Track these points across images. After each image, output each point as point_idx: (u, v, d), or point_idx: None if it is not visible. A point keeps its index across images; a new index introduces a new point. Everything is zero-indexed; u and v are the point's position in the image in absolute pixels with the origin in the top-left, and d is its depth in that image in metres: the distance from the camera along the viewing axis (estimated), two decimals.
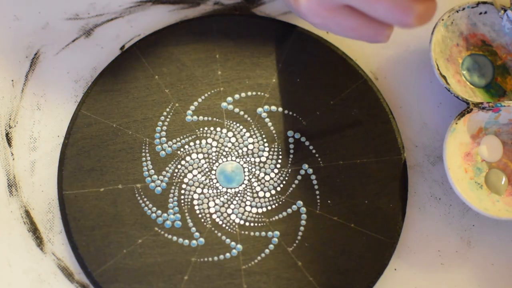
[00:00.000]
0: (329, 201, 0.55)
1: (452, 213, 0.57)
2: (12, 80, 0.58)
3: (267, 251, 0.54)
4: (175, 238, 0.54)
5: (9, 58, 0.59)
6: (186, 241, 0.54)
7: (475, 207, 0.54)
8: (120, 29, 0.60)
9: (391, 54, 0.60)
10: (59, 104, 0.58)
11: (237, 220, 0.55)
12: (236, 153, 0.56)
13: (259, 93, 0.57)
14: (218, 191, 0.56)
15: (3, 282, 0.54)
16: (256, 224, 0.55)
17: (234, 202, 0.55)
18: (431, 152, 0.58)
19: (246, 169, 0.56)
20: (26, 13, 0.59)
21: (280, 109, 0.57)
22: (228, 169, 0.56)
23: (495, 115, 0.56)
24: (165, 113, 0.57)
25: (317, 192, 0.56)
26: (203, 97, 0.57)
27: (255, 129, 0.57)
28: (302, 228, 0.55)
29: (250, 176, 0.56)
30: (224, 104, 0.57)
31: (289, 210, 0.55)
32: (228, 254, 0.54)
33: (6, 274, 0.55)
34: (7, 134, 0.57)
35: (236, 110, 0.57)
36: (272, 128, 0.57)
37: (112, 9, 0.60)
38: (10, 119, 0.58)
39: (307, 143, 0.57)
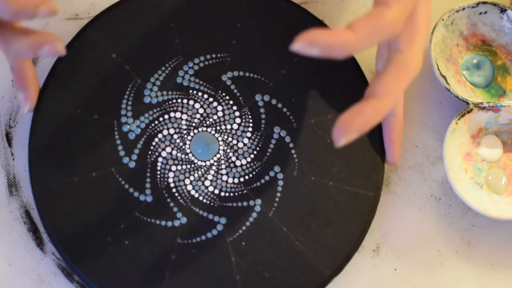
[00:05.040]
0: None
1: (452, 213, 0.57)
2: (12, 80, 0.58)
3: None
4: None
5: None
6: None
7: (475, 207, 0.54)
8: None
9: None
10: None
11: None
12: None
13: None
14: (194, 165, 0.55)
15: (3, 282, 0.54)
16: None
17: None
18: (431, 152, 0.58)
19: (219, 138, 0.55)
20: None
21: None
22: (201, 141, 0.55)
23: (495, 115, 0.56)
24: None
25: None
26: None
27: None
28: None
29: (225, 146, 0.55)
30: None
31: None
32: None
33: (6, 274, 0.55)
34: (7, 134, 0.57)
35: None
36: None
37: None
38: (10, 119, 0.58)
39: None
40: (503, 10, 0.58)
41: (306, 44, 0.43)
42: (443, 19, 0.57)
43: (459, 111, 0.57)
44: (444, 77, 0.57)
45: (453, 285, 0.56)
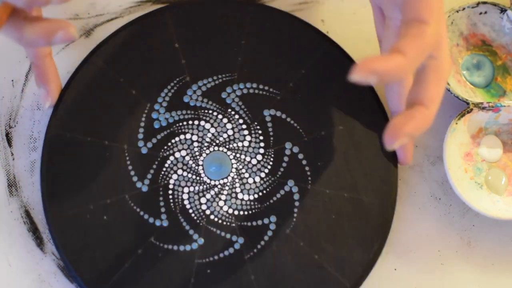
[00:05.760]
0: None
1: (452, 213, 0.57)
2: (12, 80, 0.58)
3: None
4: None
5: (9, 58, 0.59)
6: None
7: (475, 207, 0.54)
8: None
9: None
10: None
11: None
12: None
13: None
14: (207, 185, 0.55)
15: (3, 282, 0.54)
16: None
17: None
18: (431, 152, 0.58)
19: (234, 166, 0.55)
20: None
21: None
22: (214, 160, 0.55)
23: (495, 115, 0.56)
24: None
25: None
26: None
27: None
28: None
29: (237, 163, 0.55)
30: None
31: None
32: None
33: (6, 274, 0.55)
34: (7, 134, 0.57)
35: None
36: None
37: (112, 9, 0.60)
38: (10, 119, 0.58)
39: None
40: (503, 10, 0.58)
41: (366, 73, 0.44)
42: None
43: (459, 111, 0.57)
44: None
45: (453, 285, 0.56)
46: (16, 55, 0.59)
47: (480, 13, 0.58)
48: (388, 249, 0.56)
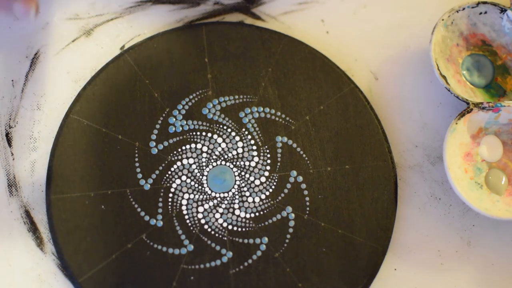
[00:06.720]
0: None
1: (452, 213, 0.57)
2: (12, 80, 0.58)
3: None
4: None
5: (9, 58, 0.59)
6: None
7: (475, 207, 0.54)
8: (120, 29, 0.60)
9: (391, 54, 0.60)
10: (59, 104, 0.58)
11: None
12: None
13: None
14: (208, 196, 0.55)
15: (3, 282, 0.54)
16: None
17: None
18: (431, 152, 0.58)
19: (236, 173, 0.56)
20: None
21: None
22: (219, 173, 0.56)
23: (495, 115, 0.56)
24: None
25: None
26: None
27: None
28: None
29: (241, 181, 0.56)
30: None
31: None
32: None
33: (6, 274, 0.55)
34: (7, 134, 0.57)
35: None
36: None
37: (112, 9, 0.60)
38: (10, 119, 0.58)
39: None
40: (503, 10, 0.58)
41: None
42: (443, 19, 0.57)
43: (459, 111, 0.57)
44: (444, 77, 0.57)
45: (453, 285, 0.56)
46: (16, 55, 0.59)
47: (480, 13, 0.58)
48: (388, 249, 0.56)
